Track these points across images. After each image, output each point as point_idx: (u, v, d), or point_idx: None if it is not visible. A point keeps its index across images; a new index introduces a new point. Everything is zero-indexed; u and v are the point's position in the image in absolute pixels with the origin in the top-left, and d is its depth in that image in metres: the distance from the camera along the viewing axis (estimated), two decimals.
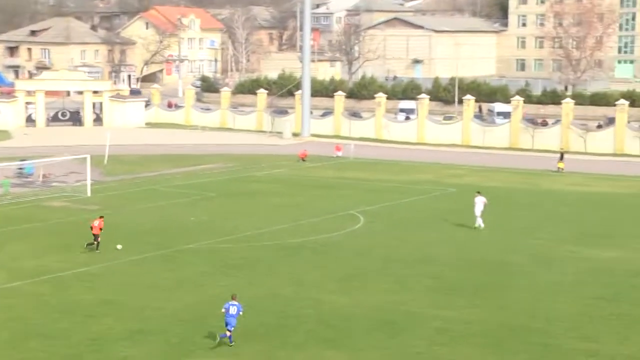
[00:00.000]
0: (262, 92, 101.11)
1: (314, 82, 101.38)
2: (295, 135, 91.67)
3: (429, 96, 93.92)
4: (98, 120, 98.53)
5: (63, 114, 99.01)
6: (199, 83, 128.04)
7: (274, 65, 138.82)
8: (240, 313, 29.12)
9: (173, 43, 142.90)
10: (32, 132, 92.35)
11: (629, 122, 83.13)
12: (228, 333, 28.86)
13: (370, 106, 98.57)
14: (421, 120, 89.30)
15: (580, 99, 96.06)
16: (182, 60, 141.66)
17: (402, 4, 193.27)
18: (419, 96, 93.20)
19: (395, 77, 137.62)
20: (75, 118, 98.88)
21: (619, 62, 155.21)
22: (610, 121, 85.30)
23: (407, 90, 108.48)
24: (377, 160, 76.06)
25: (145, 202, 54.61)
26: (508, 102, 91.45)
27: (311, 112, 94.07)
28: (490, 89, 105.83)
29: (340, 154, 77.86)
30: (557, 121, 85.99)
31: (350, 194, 59.06)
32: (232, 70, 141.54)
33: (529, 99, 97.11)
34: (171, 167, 70.18)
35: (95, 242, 41.47)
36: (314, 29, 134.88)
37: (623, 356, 28.45)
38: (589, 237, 45.99)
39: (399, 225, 48.67)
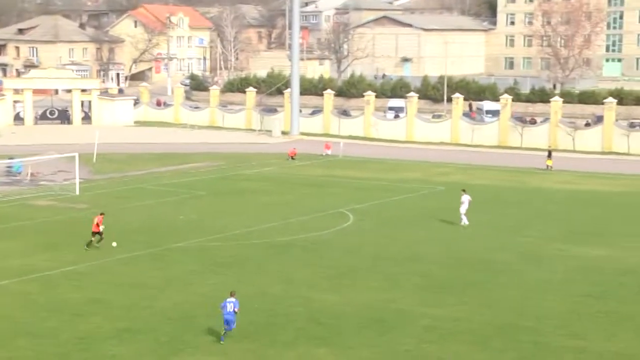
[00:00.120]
0: (251, 91, 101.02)
1: (303, 80, 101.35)
2: (284, 133, 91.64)
3: (417, 94, 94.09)
4: (87, 118, 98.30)
5: (51, 113, 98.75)
6: (188, 81, 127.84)
7: (263, 63, 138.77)
8: (236, 310, 29.04)
9: (162, 41, 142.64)
10: (20, 130, 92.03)
11: (617, 120, 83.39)
12: (224, 330, 28.85)
13: (359, 104, 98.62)
14: (410, 118, 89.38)
15: (569, 97, 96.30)
16: (170, 59, 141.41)
17: (390, 3, 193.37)
18: (408, 94, 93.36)
19: (384, 76, 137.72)
20: (64, 116, 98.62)
21: (607, 60, 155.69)
22: (599, 119, 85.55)
23: (396, 89, 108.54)
24: (366, 158, 76.10)
25: (134, 200, 54.49)
26: (497, 100, 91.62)
27: (300, 111, 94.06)
28: (479, 87, 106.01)
29: (329, 152, 77.86)
30: (546, 119, 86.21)
31: (339, 192, 59.07)
32: (221, 68, 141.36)
33: (517, 97, 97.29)
34: (160, 166, 70.06)
35: (93, 239, 41.38)
36: (302, 28, 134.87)
37: (611, 353, 28.54)
38: (578, 235, 46.11)
39: (388, 223, 48.71)
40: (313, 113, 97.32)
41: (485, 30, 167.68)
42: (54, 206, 52.81)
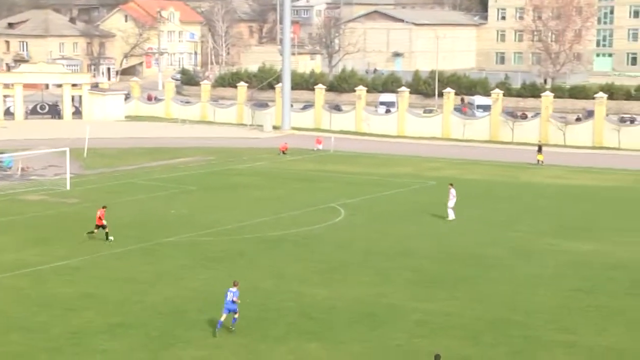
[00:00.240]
0: (242, 85, 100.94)
1: (294, 75, 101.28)
2: (275, 128, 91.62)
3: (409, 89, 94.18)
4: (77, 113, 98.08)
5: (42, 107, 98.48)
6: (179, 76, 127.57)
7: (254, 58, 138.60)
8: (235, 299, 29.10)
9: (152, 36, 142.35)
10: (10, 125, 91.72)
11: (607, 115, 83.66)
12: (219, 320, 29.04)
13: (350, 99, 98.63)
14: (401, 113, 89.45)
15: (560, 92, 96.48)
16: (161, 53, 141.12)
17: None
18: (399, 89, 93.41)
19: (375, 70, 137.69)
20: (54, 111, 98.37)
21: (598, 55, 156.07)
22: (589, 114, 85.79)
23: (387, 83, 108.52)
24: (357, 153, 76.14)
25: (124, 195, 54.42)
26: (488, 95, 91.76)
27: (291, 105, 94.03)
28: (470, 82, 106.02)
29: (320, 147, 77.88)
30: (537, 114, 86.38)
31: (330, 186, 59.11)
32: (212, 63, 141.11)
33: (508, 92, 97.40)
34: (151, 161, 69.98)
35: (95, 230, 41.65)
36: (294, 22, 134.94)
37: (601, 347, 28.67)
38: (568, 230, 46.25)
39: (380, 218, 48.77)
40: (304, 108, 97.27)
41: (476, 25, 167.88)
42: (44, 201, 52.72)
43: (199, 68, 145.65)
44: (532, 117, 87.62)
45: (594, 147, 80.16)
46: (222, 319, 29.29)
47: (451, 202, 48.00)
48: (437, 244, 42.60)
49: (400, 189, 58.37)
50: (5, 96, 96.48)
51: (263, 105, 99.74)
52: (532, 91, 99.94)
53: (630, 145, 79.29)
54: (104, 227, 41.80)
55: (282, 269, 37.62)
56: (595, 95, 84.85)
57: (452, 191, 48.26)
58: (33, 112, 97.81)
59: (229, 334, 29.21)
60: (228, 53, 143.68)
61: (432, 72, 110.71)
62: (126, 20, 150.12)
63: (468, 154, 75.95)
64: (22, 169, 63.24)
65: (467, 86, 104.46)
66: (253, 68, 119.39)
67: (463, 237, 44.19)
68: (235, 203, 52.87)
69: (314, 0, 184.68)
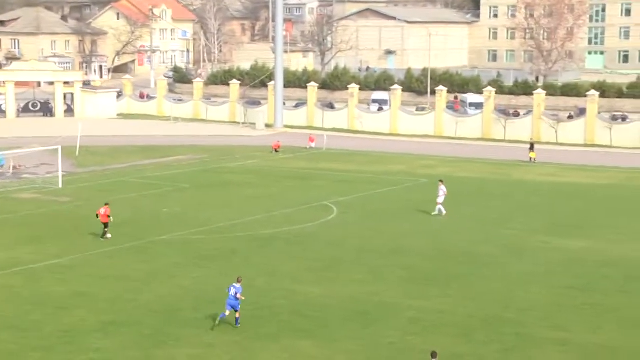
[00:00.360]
0: (234, 83, 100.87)
1: (286, 73, 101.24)
2: (268, 126, 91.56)
3: (401, 87, 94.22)
4: (69, 111, 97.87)
5: (34, 105, 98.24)
6: (171, 74, 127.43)
7: (246, 56, 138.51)
8: (238, 295, 29.26)
9: (145, 34, 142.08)
10: (2, 123, 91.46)
11: (599, 112, 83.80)
12: (220, 316, 29.24)
13: (343, 97, 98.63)
14: (394, 111, 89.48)
15: (552, 90, 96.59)
16: (154, 51, 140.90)
17: None
18: (391, 87, 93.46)
19: (368, 68, 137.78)
20: (46, 109, 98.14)
21: (590, 53, 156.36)
22: (581, 112, 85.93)
23: (379, 81, 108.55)
24: (350, 151, 76.14)
25: (117, 193, 54.29)
26: (480, 93, 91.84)
27: (284, 103, 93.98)
28: (462, 79, 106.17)
29: (313, 145, 77.85)
30: (529, 112, 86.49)
31: (323, 184, 59.10)
32: (204, 61, 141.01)
33: (501, 90, 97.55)
34: (143, 159, 69.88)
35: (105, 230, 41.78)
36: (286, 20, 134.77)
37: (594, 345, 28.71)
38: (561, 228, 46.32)
39: (372, 216, 48.77)
40: (297, 106, 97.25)
41: (468, 23, 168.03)
42: (37, 199, 52.59)
43: (191, 66, 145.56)
44: (524, 115, 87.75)
45: (586, 145, 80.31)
46: (227, 313, 29.41)
47: (440, 199, 48.25)
48: (430, 242, 42.62)
49: (393, 187, 58.39)
50: None
51: (256, 103, 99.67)
52: (524, 89, 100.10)
53: (622, 143, 79.48)
54: (106, 224, 41.78)
55: (274, 267, 37.59)
56: (587, 93, 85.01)
57: (442, 188, 48.52)
58: (25, 110, 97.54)
59: (221, 332, 29.18)
60: (220, 51, 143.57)
61: (425, 70, 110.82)
62: (118, 18, 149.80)
63: (461, 152, 76.02)
64: (14, 167, 63.06)
65: (459, 84, 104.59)
66: (245, 66, 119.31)
67: (456, 235, 44.22)
68: (228, 201, 52.82)
69: None
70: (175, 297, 33.04)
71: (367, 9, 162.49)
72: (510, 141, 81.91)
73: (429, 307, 32.21)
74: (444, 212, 48.22)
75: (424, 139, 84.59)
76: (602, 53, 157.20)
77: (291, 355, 27.54)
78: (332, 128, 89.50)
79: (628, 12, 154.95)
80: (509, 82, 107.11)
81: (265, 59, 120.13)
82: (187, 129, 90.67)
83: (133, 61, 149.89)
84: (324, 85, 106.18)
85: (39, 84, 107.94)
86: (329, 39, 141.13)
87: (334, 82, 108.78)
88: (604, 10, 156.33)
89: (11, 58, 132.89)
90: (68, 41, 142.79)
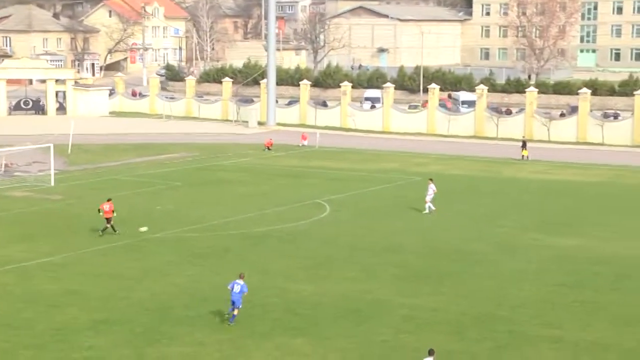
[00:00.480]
0: (227, 81, 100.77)
1: (279, 70, 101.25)
2: (260, 124, 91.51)
3: (394, 85, 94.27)
4: (61, 109, 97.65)
5: (25, 103, 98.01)
6: (163, 72, 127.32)
7: (239, 53, 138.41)
8: (245, 292, 29.48)
9: (137, 31, 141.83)
10: None
11: (591, 110, 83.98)
12: (235, 312, 29.41)
13: (335, 95, 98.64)
14: (386, 109, 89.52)
15: (544, 88, 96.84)
16: (146, 49, 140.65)
17: None
18: (384, 85, 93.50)
19: (360, 66, 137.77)
20: (38, 107, 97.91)
21: (582, 51, 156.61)
22: (573, 110, 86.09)
23: (372, 79, 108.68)
24: (342, 149, 76.16)
25: (110, 191, 54.08)
26: (472, 90, 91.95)
27: (277, 101, 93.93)
28: (455, 77, 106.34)
29: (305, 142, 77.84)
30: (521, 110, 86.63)
31: (316, 182, 59.11)
32: (196, 58, 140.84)
33: (493, 88, 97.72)
34: (136, 157, 69.79)
35: (109, 226, 41.95)
36: (279, 18, 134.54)
37: (586, 342, 28.79)
38: (552, 225, 46.42)
39: (365, 214, 48.81)
40: (289, 103, 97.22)
41: (461, 21, 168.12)
42: (29, 197, 52.48)
43: (183, 64, 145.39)
44: (516, 112, 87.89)
45: (577, 143, 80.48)
46: (234, 314, 29.59)
47: (429, 197, 48.44)
48: (423, 240, 42.68)
49: (386, 185, 58.44)
50: None
51: (248, 101, 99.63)
52: (516, 87, 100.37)
53: (613, 140, 79.66)
54: (109, 220, 41.89)
55: (267, 265, 37.59)
56: (579, 91, 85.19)
57: (432, 186, 48.67)
58: (17, 107, 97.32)
59: (213, 330, 29.19)
60: (213, 49, 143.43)
61: (417, 68, 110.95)
62: (110, 16, 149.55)
63: (453, 150, 76.10)
64: (6, 165, 62.92)
65: (451, 82, 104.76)
66: (238, 64, 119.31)
67: (448, 233, 44.29)
68: (220, 199, 52.80)
69: None
70: (168, 295, 33.02)
71: (360, 7, 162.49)
72: (502, 139, 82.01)
73: (422, 305, 32.26)
74: (433, 208, 48.40)
75: (416, 137, 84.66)
76: (594, 51, 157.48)
77: (284, 353, 27.55)
78: (325, 126, 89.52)
79: (620, 10, 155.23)
80: (501, 80, 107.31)
81: (258, 56, 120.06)
82: (179, 126, 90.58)
83: (125, 59, 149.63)
84: (316, 83, 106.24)
85: (30, 81, 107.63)
86: (322, 36, 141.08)
87: (327, 80, 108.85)
88: (595, 8, 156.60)
89: (2, 55, 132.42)
90: (60, 39, 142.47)
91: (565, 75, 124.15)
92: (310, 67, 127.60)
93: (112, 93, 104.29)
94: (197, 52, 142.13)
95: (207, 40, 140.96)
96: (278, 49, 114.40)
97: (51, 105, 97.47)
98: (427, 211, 48.41)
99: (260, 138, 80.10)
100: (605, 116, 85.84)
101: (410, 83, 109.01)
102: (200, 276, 35.63)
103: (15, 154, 63.92)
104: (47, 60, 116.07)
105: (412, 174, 62.67)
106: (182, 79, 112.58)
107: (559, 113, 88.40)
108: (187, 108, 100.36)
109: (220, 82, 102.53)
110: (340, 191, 55.41)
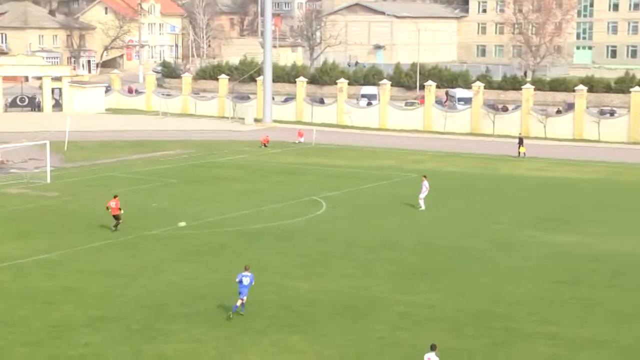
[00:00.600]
0: (223, 78, 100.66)
1: (275, 67, 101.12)
2: (257, 121, 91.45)
3: (390, 82, 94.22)
4: (57, 106, 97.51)
5: (21, 100, 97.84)
6: (159, 68, 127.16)
7: (235, 50, 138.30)
8: (252, 283, 30.02)
9: (133, 28, 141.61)
10: None
11: (587, 107, 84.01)
12: (239, 302, 29.79)
13: (332, 92, 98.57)
14: (383, 106, 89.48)
15: (540, 85, 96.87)
16: (142, 46, 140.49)
17: None
18: (380, 82, 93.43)
19: (357, 63, 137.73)
20: (34, 104, 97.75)
21: (578, 48, 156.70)
22: (570, 107, 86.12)
23: (368, 76, 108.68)
24: (339, 146, 76.11)
25: (105, 188, 54.08)
26: (469, 87, 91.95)
27: (273, 98, 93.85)
28: (451, 74, 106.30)
29: (302, 139, 77.79)
30: (518, 107, 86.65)
31: (312, 179, 59.08)
32: (193, 55, 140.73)
33: (489, 85, 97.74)
34: (132, 154, 69.70)
35: (119, 222, 42.00)
36: (275, 15, 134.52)
37: (582, 339, 28.79)
38: (549, 222, 46.43)
39: (361, 211, 48.78)
40: (286, 100, 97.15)
41: (457, 18, 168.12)
42: (25, 194, 52.39)
43: (180, 60, 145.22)
44: (512, 109, 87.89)
45: (574, 140, 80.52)
46: (244, 300, 29.95)
47: (422, 194, 48.47)
48: (419, 237, 42.67)
49: (382, 182, 58.41)
50: None
51: (244, 97, 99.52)
52: (512, 84, 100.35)
53: (609, 137, 79.73)
54: (118, 217, 41.88)
55: (263, 262, 37.53)
56: (575, 88, 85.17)
57: (425, 183, 48.76)
58: (12, 104, 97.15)
59: (210, 327, 29.15)
60: (209, 45, 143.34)
61: (414, 65, 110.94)
62: (106, 13, 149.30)
63: (449, 147, 76.09)
64: (2, 162, 62.82)
65: (448, 79, 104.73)
66: (234, 60, 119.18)
67: (445, 230, 44.28)
68: (217, 196, 52.75)
69: None
70: (164, 292, 32.98)
71: (356, 4, 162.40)
72: (498, 136, 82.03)
73: (418, 302, 32.25)
74: (423, 206, 48.36)
75: (413, 134, 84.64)
76: (590, 48, 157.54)
77: (280, 350, 27.52)
78: (321, 123, 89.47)
79: (616, 7, 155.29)
80: (497, 77, 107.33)
81: (254, 53, 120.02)
82: (175, 123, 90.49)
83: (121, 56, 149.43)
84: (312, 80, 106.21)
85: (26, 78, 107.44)
86: (318, 33, 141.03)
87: (323, 77, 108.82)
88: (592, 5, 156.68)
89: None
90: (56, 36, 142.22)
91: (562, 72, 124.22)
92: (306, 64, 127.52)
93: (108, 90, 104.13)
94: (194, 49, 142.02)
95: (203, 37, 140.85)
96: (274, 46, 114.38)
97: (47, 102, 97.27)
98: (422, 207, 48.42)
99: (256, 135, 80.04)
100: (602, 113, 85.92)
101: (407, 80, 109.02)
102: (196, 273, 35.60)
103: (11, 151, 63.78)
104: (43, 57, 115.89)
105: (408, 171, 62.64)
106: (178, 76, 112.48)
107: (555, 110, 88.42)
108: (184, 105, 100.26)
109: (217, 79, 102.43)
110: (336, 188, 55.38)
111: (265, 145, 74.39)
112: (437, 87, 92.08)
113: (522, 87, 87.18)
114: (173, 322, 29.62)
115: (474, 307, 31.77)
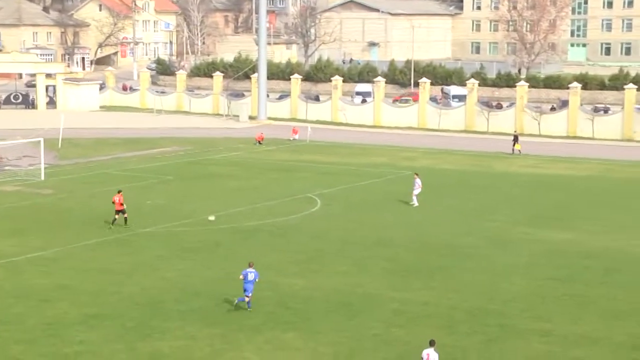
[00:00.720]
0: (218, 75, 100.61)
1: (270, 64, 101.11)
2: (251, 118, 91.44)
3: (385, 79, 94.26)
4: (51, 103, 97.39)
5: (15, 97, 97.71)
6: (154, 66, 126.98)
7: (229, 47, 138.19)
8: (257, 280, 30.43)
9: (127, 25, 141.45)
10: None
11: (581, 104, 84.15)
12: (247, 298, 30.26)
13: (326, 89, 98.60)
14: (377, 103, 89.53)
15: (534, 82, 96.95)
16: (136, 43, 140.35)
17: None
18: (375, 79, 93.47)
19: (351, 60, 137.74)
20: (28, 101, 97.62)
21: (572, 45, 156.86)
22: (564, 104, 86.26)
23: (363, 73, 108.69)
24: (333, 143, 76.16)
25: (100, 185, 54.15)
26: (463, 85, 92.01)
27: (267, 95, 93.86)
28: (445, 72, 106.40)
29: (296, 137, 77.82)
30: (512, 104, 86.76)
31: (307, 176, 59.13)
32: (187, 53, 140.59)
33: (484, 82, 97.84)
34: (126, 151, 69.67)
35: (123, 217, 42.26)
36: (269, 12, 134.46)
37: (576, 335, 28.90)
38: (543, 219, 46.54)
39: (356, 208, 48.85)
40: (280, 98, 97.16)
41: (451, 15, 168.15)
42: (19, 191, 52.35)
43: (174, 58, 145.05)
44: (507, 107, 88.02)
45: (568, 137, 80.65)
46: (247, 299, 30.34)
47: (416, 191, 48.65)
48: (413, 234, 42.75)
49: (377, 179, 58.49)
50: None
51: (239, 95, 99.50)
52: (507, 81, 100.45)
53: (603, 134, 79.87)
54: (123, 212, 41.92)
55: (258, 259, 37.45)
56: (569, 85, 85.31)
57: (417, 181, 48.93)
58: (6, 102, 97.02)
59: (205, 325, 29.20)
60: (203, 43, 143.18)
61: (408, 62, 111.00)
62: (100, 10, 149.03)
63: (444, 144, 76.19)
64: None
65: (442, 76, 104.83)
66: (229, 58, 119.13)
67: (439, 227, 44.37)
68: (211, 193, 52.76)
69: None
70: (159, 290, 33.01)
71: (351, 1, 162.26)
72: (493, 133, 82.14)
73: (413, 299, 32.33)
74: (416, 203, 48.52)
75: (407, 131, 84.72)
76: (584, 45, 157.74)
77: (275, 347, 27.59)
78: (316, 120, 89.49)
79: (610, 5, 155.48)
80: (491, 74, 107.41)
81: (249, 50, 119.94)
82: (170, 121, 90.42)
83: (115, 53, 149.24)
84: (307, 77, 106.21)
85: (20, 75, 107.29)
86: (313, 30, 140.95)
87: (318, 74, 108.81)
88: (586, 2, 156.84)
89: None
90: (50, 33, 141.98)
91: (556, 70, 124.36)
92: (301, 61, 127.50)
93: (102, 87, 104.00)
94: (188, 46, 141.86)
95: (197, 34, 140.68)
96: (269, 43, 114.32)
97: (41, 99, 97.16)
98: (415, 204, 48.53)
99: (251, 132, 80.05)
100: (596, 110, 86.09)
101: (401, 77, 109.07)
102: (191, 270, 35.63)
103: (5, 148, 63.75)
104: (37, 55, 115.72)
105: (402, 168, 62.71)
106: (172, 73, 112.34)
107: (550, 107, 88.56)
108: (178, 102, 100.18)
109: (211, 77, 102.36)
110: (331, 185, 55.43)
111: (259, 143, 74.41)
112: (432, 84, 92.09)
113: (517, 84, 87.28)
114: (168, 320, 29.67)
115: (468, 304, 31.86)
